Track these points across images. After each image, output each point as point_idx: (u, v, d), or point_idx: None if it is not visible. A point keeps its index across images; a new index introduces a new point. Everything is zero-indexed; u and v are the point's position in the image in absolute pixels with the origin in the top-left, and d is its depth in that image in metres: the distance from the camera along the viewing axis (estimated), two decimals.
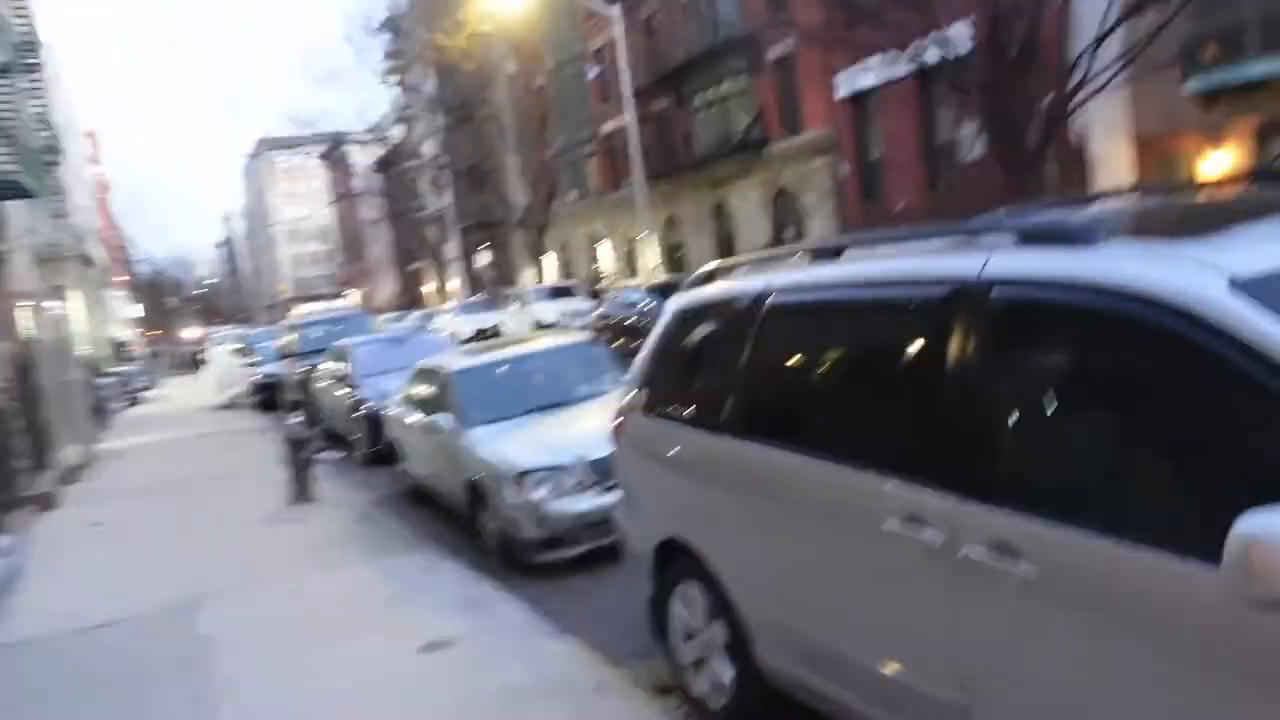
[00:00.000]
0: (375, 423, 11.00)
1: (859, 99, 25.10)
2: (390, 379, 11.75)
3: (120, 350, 41.63)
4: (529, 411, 6.98)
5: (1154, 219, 2.30)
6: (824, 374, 2.76)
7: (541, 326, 24.14)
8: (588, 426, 5.97)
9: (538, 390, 7.40)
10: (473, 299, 35.66)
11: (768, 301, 3.07)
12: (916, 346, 2.30)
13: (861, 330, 2.59)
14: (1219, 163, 18.59)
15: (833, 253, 2.94)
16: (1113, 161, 19.99)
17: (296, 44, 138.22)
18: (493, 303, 34.66)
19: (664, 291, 20.49)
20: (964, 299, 2.14)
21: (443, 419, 7.18)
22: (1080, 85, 14.85)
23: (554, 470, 5.94)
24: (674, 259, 35.40)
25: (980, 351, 2.09)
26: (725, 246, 31.93)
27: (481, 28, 32.11)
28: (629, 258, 38.98)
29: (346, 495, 9.70)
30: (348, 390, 12.28)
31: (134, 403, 29.46)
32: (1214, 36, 17.74)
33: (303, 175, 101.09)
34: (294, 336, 18.13)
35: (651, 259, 36.77)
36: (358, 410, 11.41)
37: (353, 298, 75.59)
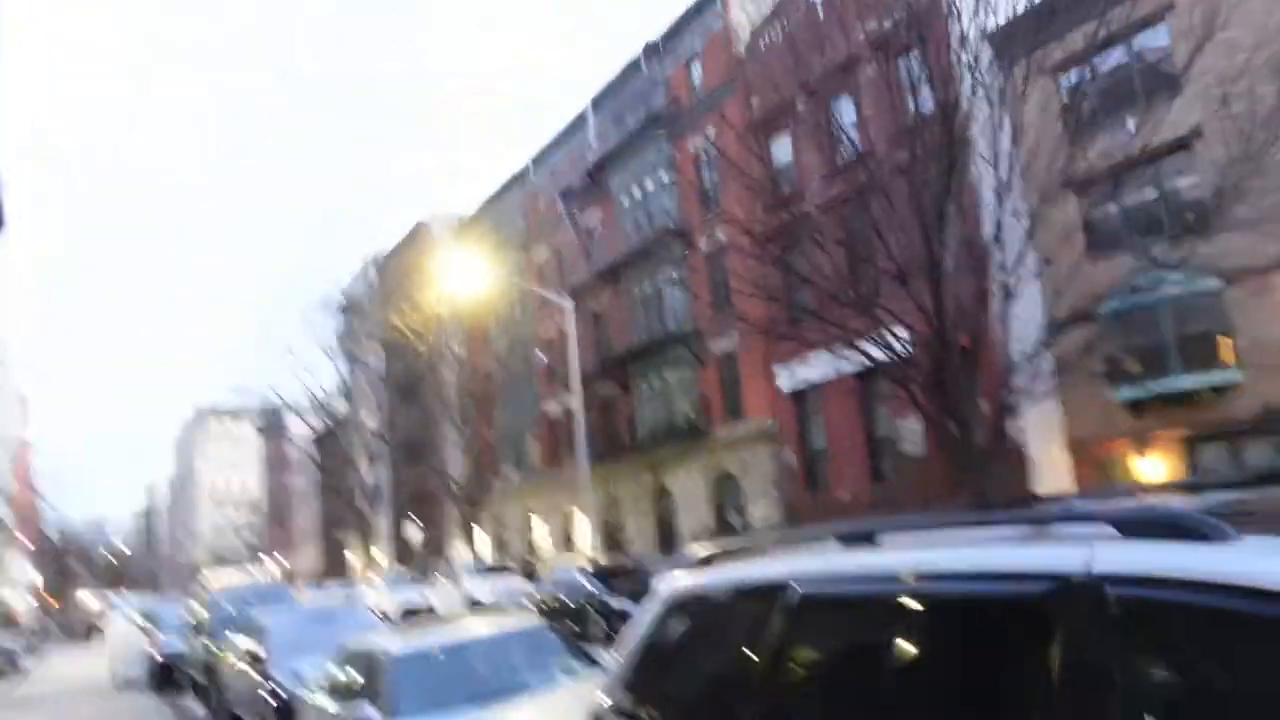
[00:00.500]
0: (286, 713, 9.87)
1: (800, 392, 25.94)
2: (310, 661, 10.75)
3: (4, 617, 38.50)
4: (473, 701, 6.23)
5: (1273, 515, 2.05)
6: (877, 681, 2.32)
7: (475, 604, 22.92)
8: None
9: (482, 678, 6.68)
10: (402, 572, 34.12)
11: (792, 595, 2.66)
12: (1004, 652, 1.94)
13: (927, 632, 2.21)
14: (1149, 469, 19.22)
15: (865, 538, 2.62)
16: (1049, 464, 20.57)
17: (241, 312, 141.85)
18: (422, 577, 33.18)
19: (607, 574, 19.80)
20: (1068, 598, 1.81)
21: (365, 711, 6.35)
22: (1014, 390, 15.55)
23: None
24: (612, 539, 34.70)
25: (1094, 659, 1.74)
26: (665, 528, 31.52)
27: (437, 309, 33.25)
28: (565, 537, 38.16)
29: None
30: (258, 673, 11.12)
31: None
32: (1139, 351, 18.97)
33: (236, 444, 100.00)
34: (203, 609, 16.79)
35: (586, 539, 36.09)
36: (270, 698, 10.26)
37: (272, 566, 72.17)
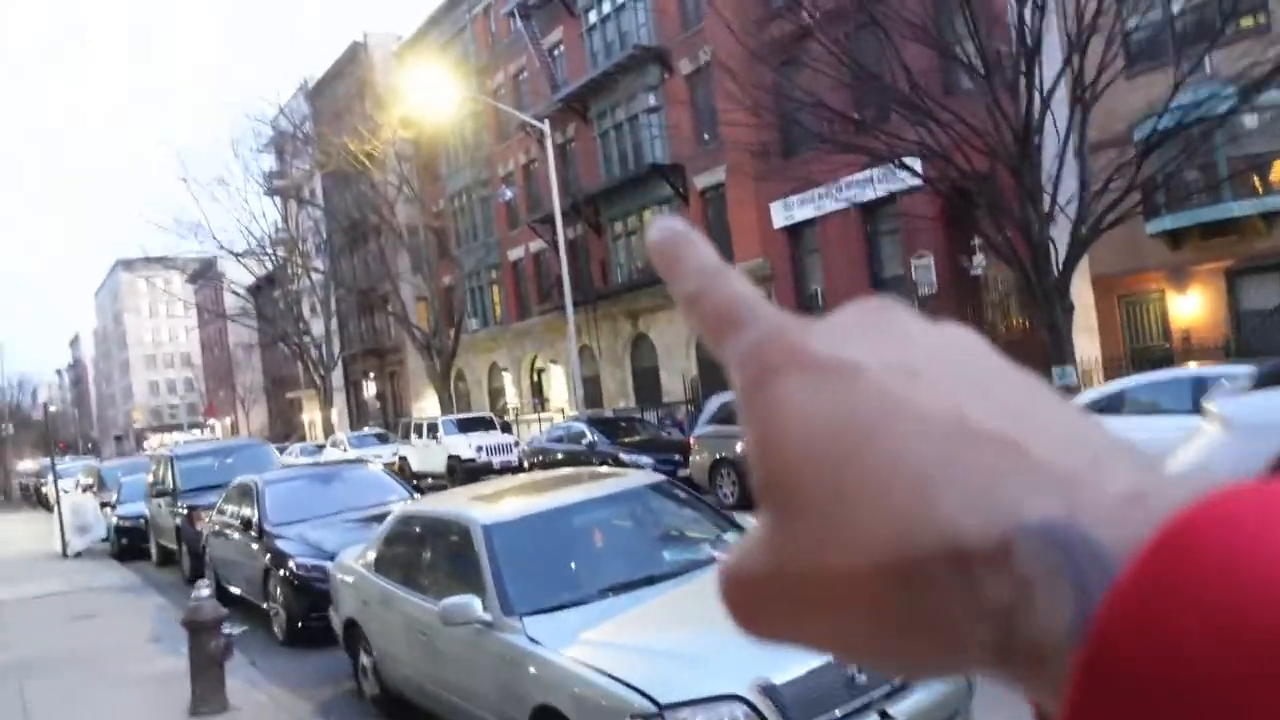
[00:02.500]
0: (304, 589, 8.28)
1: (796, 229, 24.23)
2: (319, 529, 9.11)
3: None
4: (606, 593, 4.62)
5: None
6: None
7: (461, 461, 21.43)
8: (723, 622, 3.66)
9: (612, 560, 5.08)
10: (366, 430, 32.45)
11: None
12: None
13: None
14: (1186, 305, 18.11)
15: None
16: (1076, 302, 19.33)
17: (162, 149, 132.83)
18: (387, 435, 31.59)
19: (605, 423, 18.36)
20: None
21: (464, 605, 4.68)
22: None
23: (719, 703, 3.59)
24: (586, 392, 33.32)
25: None
26: (644, 379, 30.19)
27: (385, 138, 30.21)
28: (536, 389, 36.72)
29: (273, 698, 6.91)
30: (256, 543, 9.45)
31: None
32: (1178, 176, 17.45)
33: (167, 297, 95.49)
34: (166, 470, 14.90)
35: (560, 390, 34.67)
36: (279, 569, 8.62)
37: (217, 429, 69.95)
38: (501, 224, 36.29)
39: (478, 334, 37.12)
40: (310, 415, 54.52)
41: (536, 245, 34.75)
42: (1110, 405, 9.38)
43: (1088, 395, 10.09)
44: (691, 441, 14.53)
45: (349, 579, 6.60)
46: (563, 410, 33.10)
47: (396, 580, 5.82)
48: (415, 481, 14.38)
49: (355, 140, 30.45)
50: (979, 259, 20.40)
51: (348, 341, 46.76)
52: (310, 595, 8.20)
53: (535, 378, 36.89)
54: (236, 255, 41.84)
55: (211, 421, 72.73)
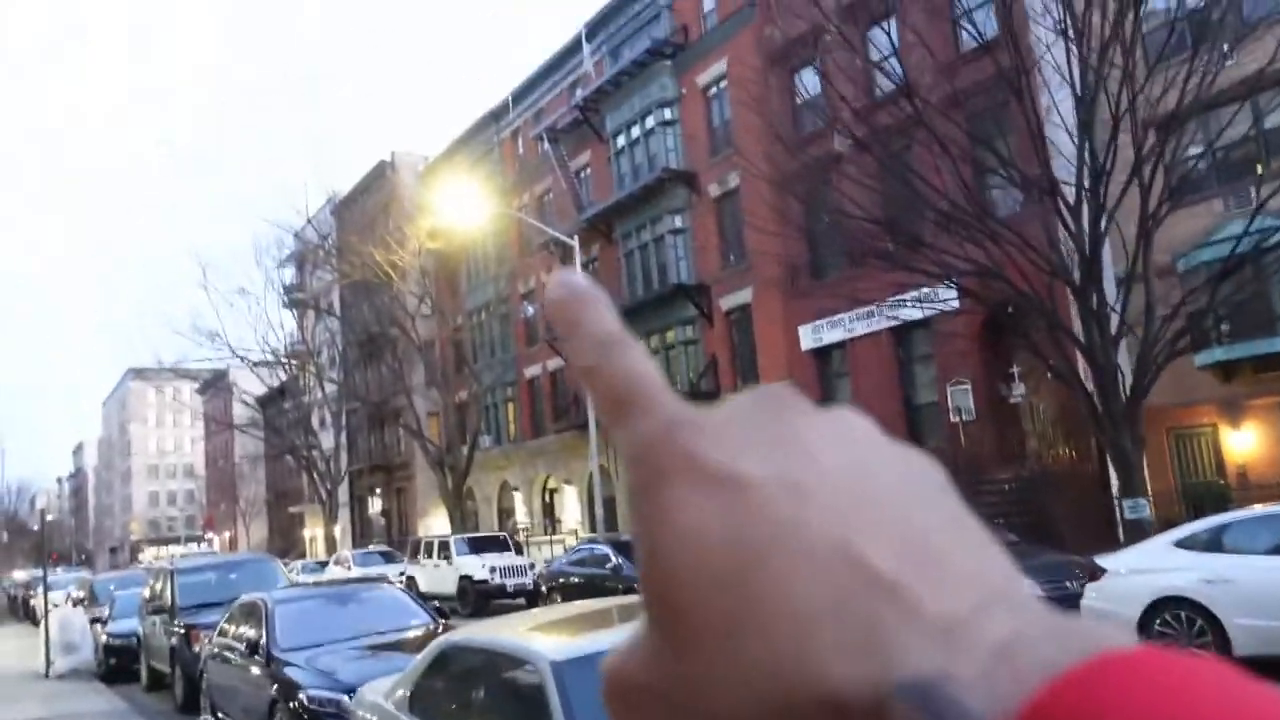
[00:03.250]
0: None
1: (824, 352, 23.75)
2: (334, 656, 8.17)
3: None
4: None
5: None
6: None
7: (473, 583, 20.30)
8: None
9: None
10: (370, 548, 31.28)
11: None
12: None
13: None
14: (1243, 441, 17.32)
15: None
16: None
17: (181, 264, 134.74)
18: (393, 553, 30.43)
19: (628, 547, 17.40)
20: None
21: None
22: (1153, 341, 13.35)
23: None
24: (604, 514, 32.26)
25: None
26: None
27: (406, 254, 30.14)
28: (547, 510, 35.65)
29: None
30: (262, 669, 8.50)
31: None
32: (1227, 307, 16.97)
33: (175, 406, 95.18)
34: (164, 584, 13.93)
35: (574, 512, 33.61)
36: (288, 702, 7.66)
37: (215, 542, 68.33)
38: (520, 341, 36.00)
39: (490, 452, 36.30)
40: (312, 531, 53.19)
41: (554, 363, 34.32)
42: (1210, 542, 8.55)
43: (1182, 531, 9.23)
44: None
45: (373, 718, 5.68)
46: (576, 532, 31.97)
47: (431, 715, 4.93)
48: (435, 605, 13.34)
49: (382, 250, 30.40)
50: (1018, 386, 19.79)
51: (355, 456, 45.95)
52: None
53: (547, 498, 35.86)
54: (251, 365, 41.44)
55: (210, 535, 71.13)
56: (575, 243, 23.34)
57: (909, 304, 21.20)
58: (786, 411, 0.32)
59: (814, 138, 23.99)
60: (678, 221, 27.97)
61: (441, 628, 9.23)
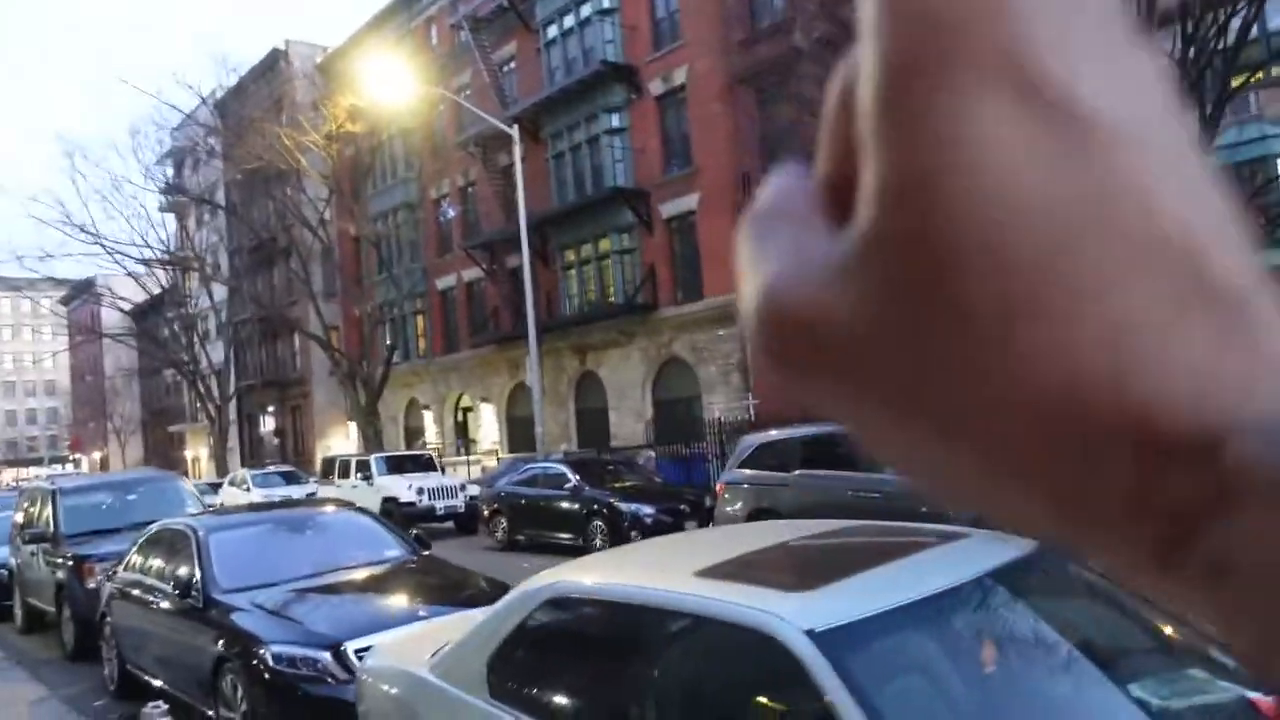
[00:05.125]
0: (289, 695, 5.49)
1: None
2: (301, 601, 6.30)
3: None
4: None
5: None
6: None
7: (399, 505, 18.32)
8: None
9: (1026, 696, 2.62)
10: (270, 468, 28.71)
11: None
12: None
13: None
14: None
15: None
16: None
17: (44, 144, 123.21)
18: (298, 473, 28.00)
19: (583, 466, 15.71)
20: None
21: None
22: None
23: None
24: (519, 433, 30.47)
25: None
26: (589, 420, 27.60)
27: (348, 126, 26.93)
28: (460, 429, 33.62)
29: None
30: (198, 618, 6.54)
31: None
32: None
33: (32, 318, 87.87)
34: (43, 507, 11.55)
35: (491, 431, 31.72)
36: (245, 661, 5.76)
37: (84, 464, 63.55)
38: (430, 250, 33.39)
39: (398, 368, 33.83)
40: (194, 451, 49.71)
41: (470, 274, 32.00)
42: None
43: None
44: (720, 488, 12.07)
45: (415, 696, 3.88)
46: (496, 453, 30.16)
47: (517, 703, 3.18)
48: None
49: (291, 131, 27.14)
50: None
51: (244, 372, 42.64)
52: (299, 707, 5.38)
53: (460, 417, 33.80)
54: (126, 270, 37.45)
55: (77, 455, 66.18)
56: (515, 132, 21.03)
57: None
58: (1117, 26, 0.22)
59: (772, 31, 22.18)
60: (615, 120, 25.83)
61: (422, 559, 7.43)
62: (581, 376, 27.68)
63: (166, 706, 4.39)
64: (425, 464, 21.41)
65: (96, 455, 63.59)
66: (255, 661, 5.61)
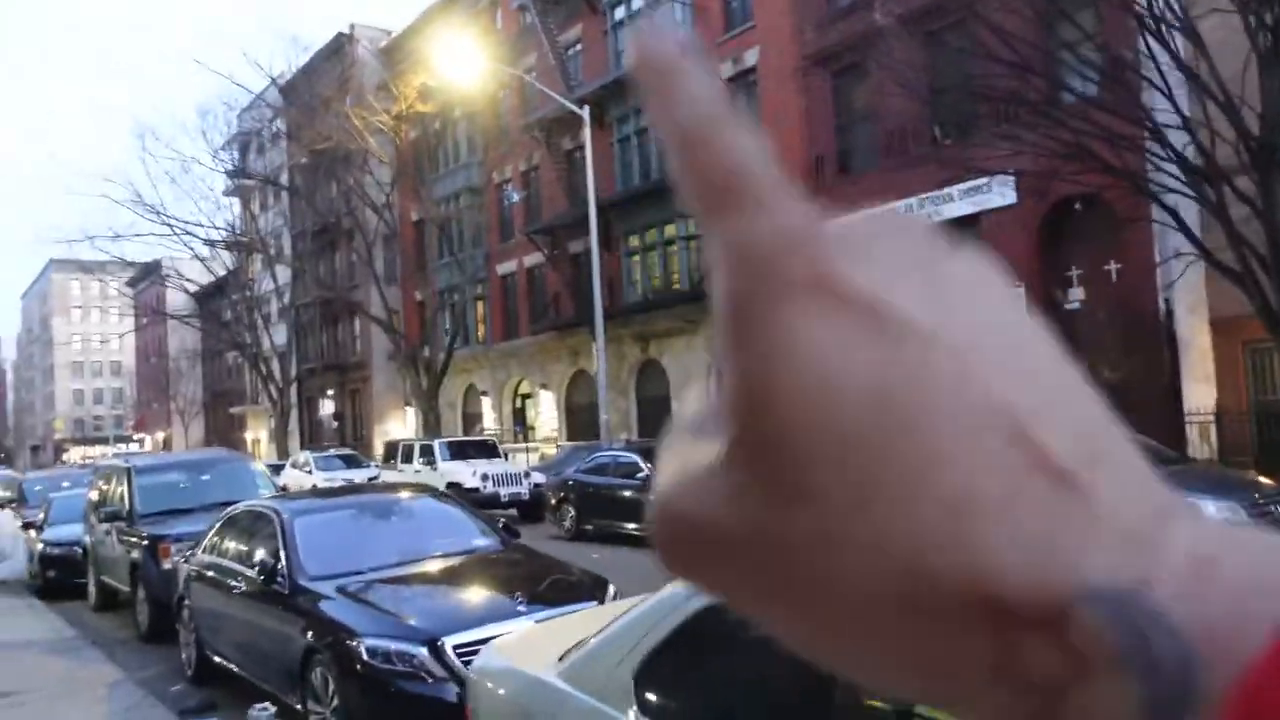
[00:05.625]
0: (384, 693, 5.15)
1: None
2: (394, 591, 5.96)
3: None
4: None
5: None
6: None
7: (463, 492, 18.08)
8: None
9: None
10: (330, 450, 28.78)
11: None
12: None
13: None
14: None
15: None
16: (1194, 346, 16.90)
17: (110, 145, 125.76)
18: (358, 456, 28.03)
19: (653, 453, 15.28)
20: None
21: None
22: None
23: None
24: (578, 421, 30.19)
25: None
26: (650, 409, 27.19)
27: (419, 107, 26.66)
28: (518, 416, 33.45)
29: None
30: (283, 605, 6.24)
31: None
32: None
33: (101, 300, 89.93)
34: (119, 486, 11.45)
35: (550, 419, 31.49)
36: (336, 654, 5.43)
37: (147, 443, 64.87)
38: (492, 235, 33.19)
39: (456, 353, 33.73)
40: (255, 433, 50.35)
41: (531, 259, 31.75)
42: None
43: None
44: None
45: (544, 704, 3.48)
46: (555, 440, 29.92)
47: None
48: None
49: (362, 111, 26.95)
50: (1076, 291, 18.00)
51: (305, 355, 42.98)
52: (394, 704, 5.04)
53: (519, 403, 33.64)
54: (193, 251, 37.82)
55: (141, 435, 67.58)
56: (586, 113, 20.62)
57: (958, 197, 19.25)
58: (931, 243, 0.26)
59: (849, 11, 21.46)
60: None
61: (511, 548, 7.06)
62: (643, 364, 27.27)
63: (274, 710, 4.06)
64: (489, 450, 21.18)
65: (159, 435, 64.83)
66: (348, 655, 5.28)
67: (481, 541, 6.98)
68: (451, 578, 6.24)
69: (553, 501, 15.82)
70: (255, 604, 6.54)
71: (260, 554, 6.67)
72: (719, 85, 0.26)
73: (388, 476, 21.22)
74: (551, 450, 29.40)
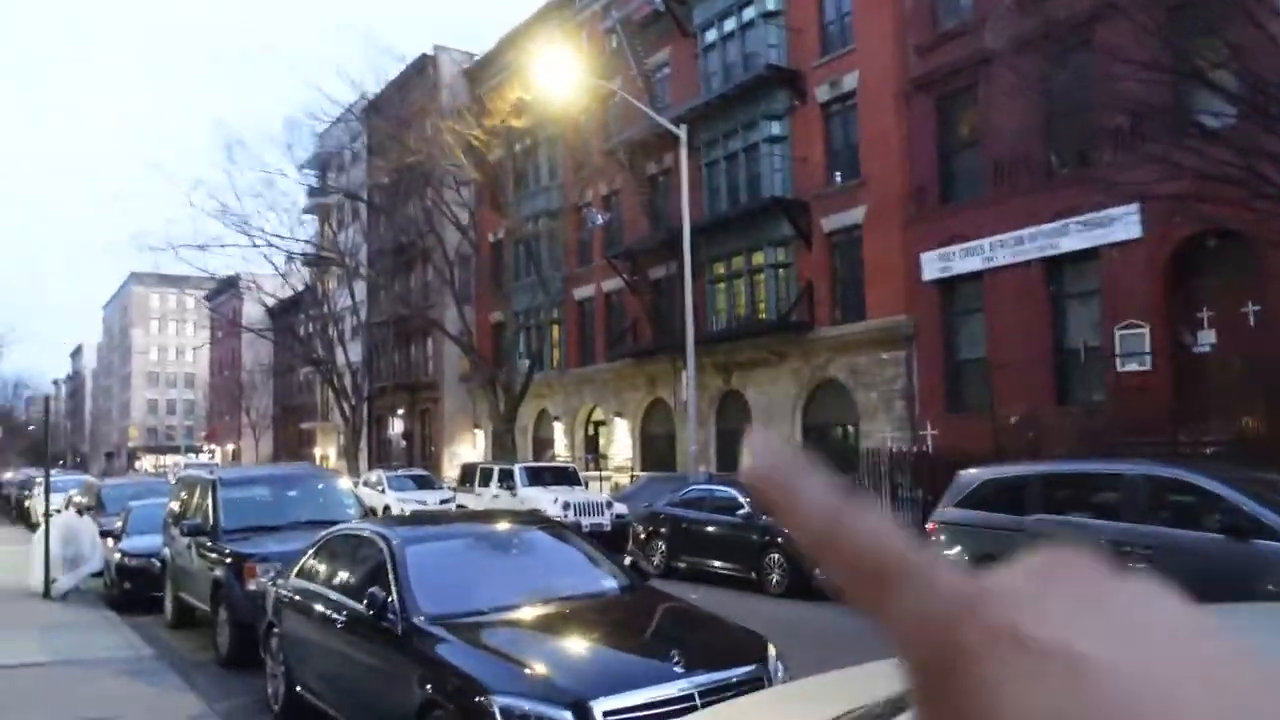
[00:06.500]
0: None
1: (950, 284, 20.57)
2: (519, 636, 5.20)
3: None
4: None
5: None
6: None
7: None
8: None
9: None
10: (400, 470, 28.37)
11: None
12: None
13: None
14: None
15: None
16: None
17: (193, 167, 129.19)
18: (432, 478, 27.57)
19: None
20: None
21: None
22: None
23: None
24: (653, 450, 29.39)
25: None
26: (731, 441, 26.25)
27: (513, 122, 26.20)
28: (590, 444, 32.78)
29: None
30: (395, 648, 5.52)
31: None
32: None
33: (179, 313, 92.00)
34: (202, 498, 10.94)
35: (624, 448, 30.74)
36: (461, 707, 4.69)
37: (217, 454, 65.69)
38: (570, 259, 32.73)
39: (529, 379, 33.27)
40: (323, 449, 50.49)
41: (610, 284, 31.20)
42: None
43: None
44: (931, 528, 10.59)
45: None
46: (632, 470, 29.14)
47: None
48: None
49: (454, 124, 26.65)
50: (1207, 334, 16.73)
51: (377, 374, 42.96)
52: None
53: (591, 430, 32.97)
54: (275, 266, 38.05)
55: (212, 446, 68.49)
56: (683, 133, 20.00)
57: (1075, 230, 18.13)
58: (1097, 580, 0.27)
59: (955, 35, 20.59)
60: (775, 128, 24.60)
61: (643, 591, 6.26)
62: (724, 395, 26.41)
63: None
64: (569, 477, 20.50)
65: (229, 447, 65.61)
66: (476, 714, 4.51)
67: (610, 583, 6.21)
68: (586, 625, 5.47)
69: (642, 535, 15.00)
70: (360, 641, 5.84)
71: (365, 584, 5.97)
72: (828, 481, 0.28)
73: (464, 500, 20.62)
74: (624, 479, 28.64)
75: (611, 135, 30.29)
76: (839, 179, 23.17)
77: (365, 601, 5.68)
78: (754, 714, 3.62)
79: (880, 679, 2.67)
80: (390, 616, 5.52)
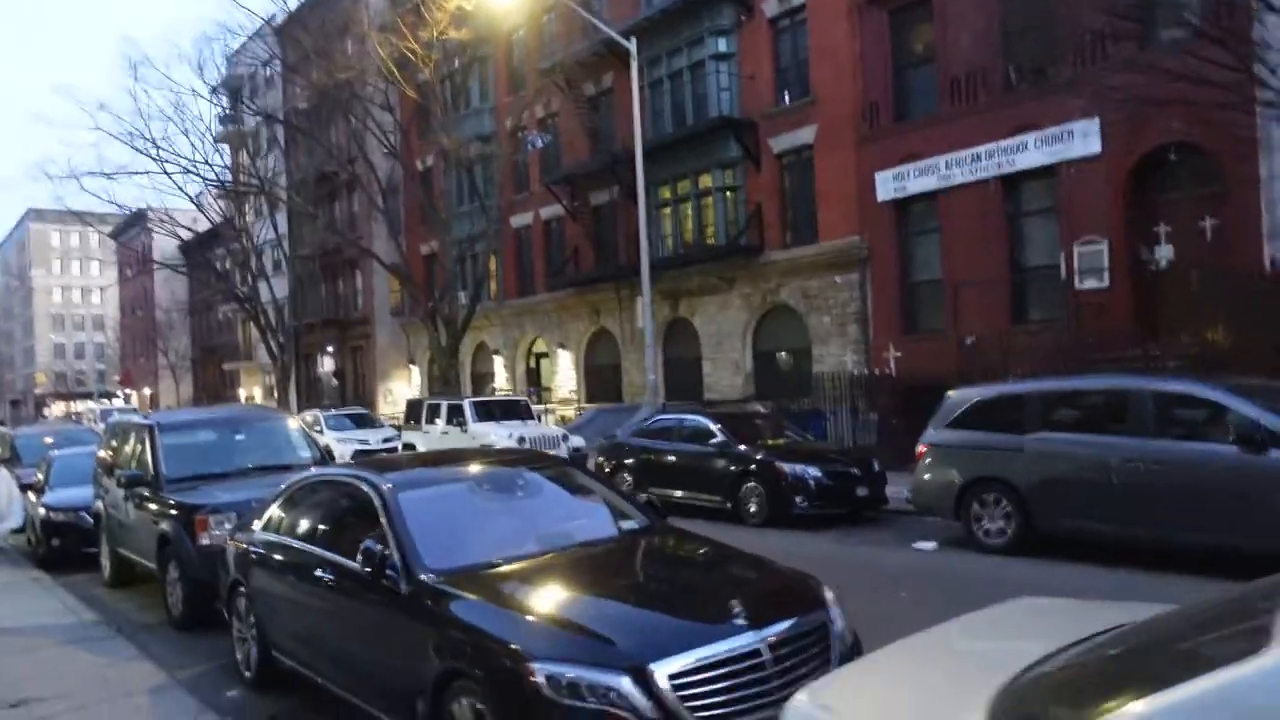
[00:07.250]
0: None
1: (906, 204, 20.16)
2: (554, 593, 4.59)
3: None
4: None
5: None
6: None
7: None
8: None
9: None
10: (337, 410, 27.22)
11: None
12: None
13: None
14: None
15: None
16: None
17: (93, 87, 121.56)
18: (372, 416, 26.54)
19: (728, 417, 13.87)
20: None
21: None
22: None
23: None
24: (598, 381, 28.80)
25: None
26: (679, 371, 25.80)
27: (451, 34, 24.47)
28: (532, 376, 32.02)
29: None
30: (404, 611, 4.85)
31: None
32: None
33: (81, 253, 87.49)
34: (139, 445, 9.96)
35: (568, 379, 30.07)
36: (496, 679, 4.05)
37: (133, 399, 62.94)
38: (508, 186, 31.46)
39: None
40: (248, 390, 48.68)
41: (549, 211, 30.14)
42: None
43: None
44: (921, 451, 10.23)
45: None
46: (576, 402, 28.53)
47: None
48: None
49: (391, 37, 24.85)
50: (1164, 249, 16.65)
51: (301, 310, 41.24)
52: None
53: (533, 363, 32.19)
54: (188, 197, 35.81)
55: (127, 391, 65.62)
56: (633, 45, 18.97)
57: (1034, 146, 17.78)
58: None
59: None
60: (722, 45, 23.64)
61: (665, 531, 5.68)
62: (672, 323, 25.83)
63: None
64: (520, 410, 19.76)
65: (147, 391, 62.96)
66: (515, 684, 3.88)
67: (630, 523, 5.60)
68: (619, 574, 4.86)
69: (607, 469, 14.42)
70: (353, 602, 5.13)
71: (353, 537, 5.25)
72: None
73: (411, 438, 19.75)
74: (569, 412, 28.05)
75: (548, 55, 28.96)
76: (788, 98, 22.44)
77: (360, 558, 4.96)
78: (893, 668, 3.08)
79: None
80: (390, 573, 4.83)
